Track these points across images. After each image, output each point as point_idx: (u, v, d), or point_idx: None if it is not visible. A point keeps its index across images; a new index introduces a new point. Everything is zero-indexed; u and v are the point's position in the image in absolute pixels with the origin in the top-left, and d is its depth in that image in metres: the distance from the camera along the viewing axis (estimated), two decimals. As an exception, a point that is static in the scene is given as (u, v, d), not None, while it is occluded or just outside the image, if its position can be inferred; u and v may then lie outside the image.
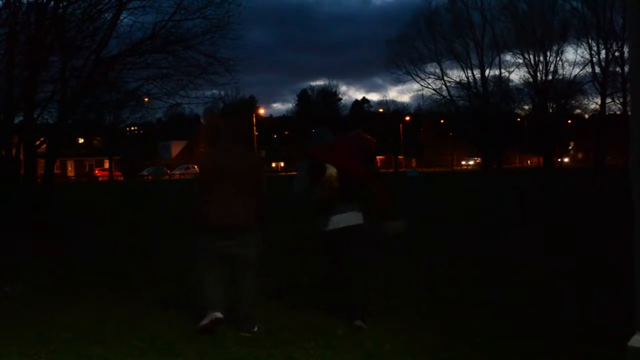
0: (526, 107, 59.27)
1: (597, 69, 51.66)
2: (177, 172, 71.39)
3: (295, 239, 9.64)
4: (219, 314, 4.89)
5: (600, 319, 4.94)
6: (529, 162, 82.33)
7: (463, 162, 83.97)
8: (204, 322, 4.85)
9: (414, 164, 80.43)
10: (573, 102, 55.77)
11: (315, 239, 5.37)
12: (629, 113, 3.38)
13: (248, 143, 5.46)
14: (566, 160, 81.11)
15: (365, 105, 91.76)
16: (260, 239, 5.06)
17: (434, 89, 57.81)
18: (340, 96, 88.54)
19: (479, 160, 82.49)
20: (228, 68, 15.66)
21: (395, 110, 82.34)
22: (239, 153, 5.06)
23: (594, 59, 51.67)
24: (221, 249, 4.93)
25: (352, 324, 4.96)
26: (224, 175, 4.93)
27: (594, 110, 54.74)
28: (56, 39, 14.09)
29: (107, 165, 67.50)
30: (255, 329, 4.91)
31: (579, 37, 52.32)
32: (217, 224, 4.89)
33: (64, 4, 13.96)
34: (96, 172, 69.32)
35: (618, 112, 51.46)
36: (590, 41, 51.67)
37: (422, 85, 58.35)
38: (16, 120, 14.36)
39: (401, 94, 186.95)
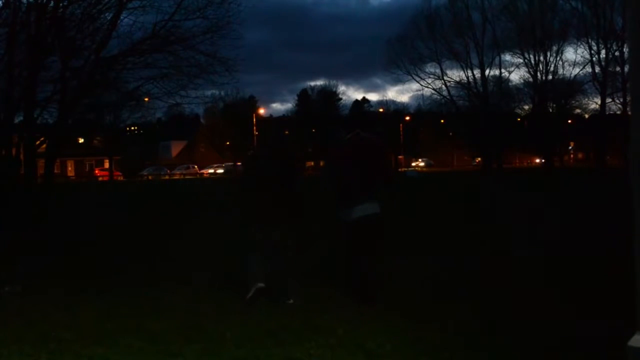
0: (526, 107, 59.15)
1: (597, 69, 51.64)
2: (177, 172, 71.43)
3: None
4: (261, 284, 5.80)
5: (600, 319, 4.94)
6: (527, 162, 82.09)
7: (413, 164, 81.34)
8: (250, 294, 5.75)
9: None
10: (573, 102, 55.64)
11: (337, 229, 6.20)
12: (629, 113, 3.37)
13: (281, 144, 6.54)
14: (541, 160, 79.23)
15: (366, 105, 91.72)
16: (294, 229, 5.94)
17: (434, 89, 57.67)
18: (340, 96, 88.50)
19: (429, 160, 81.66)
20: (228, 68, 15.72)
21: (395, 110, 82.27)
22: (273, 154, 6.01)
23: (594, 59, 51.62)
24: (264, 235, 5.83)
25: (367, 297, 5.70)
26: (263, 174, 5.85)
27: (594, 110, 54.69)
28: (56, 39, 14.10)
29: (107, 165, 67.48)
30: (291, 300, 5.71)
31: (579, 37, 52.22)
32: (261, 215, 5.81)
33: (64, 4, 14.00)
34: (96, 172, 69.33)
35: (618, 112, 51.40)
36: (590, 41, 51.60)
37: (422, 85, 58.13)
38: (16, 120, 14.38)
39: (400, 93, 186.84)
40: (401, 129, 76.40)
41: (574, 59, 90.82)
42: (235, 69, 15.87)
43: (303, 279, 6.31)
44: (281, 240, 5.86)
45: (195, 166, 74.34)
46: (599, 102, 52.53)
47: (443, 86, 57.25)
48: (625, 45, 43.89)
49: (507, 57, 73.63)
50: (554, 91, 54.67)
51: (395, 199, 6.17)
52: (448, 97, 57.75)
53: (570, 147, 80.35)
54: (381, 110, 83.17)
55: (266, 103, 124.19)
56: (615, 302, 5.06)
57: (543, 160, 74.02)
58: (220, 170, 69.62)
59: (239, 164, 70.02)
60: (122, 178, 63.75)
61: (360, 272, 5.89)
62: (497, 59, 56.08)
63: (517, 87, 57.74)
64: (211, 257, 8.82)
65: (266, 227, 5.84)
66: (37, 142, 14.70)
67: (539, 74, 54.66)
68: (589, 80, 52.43)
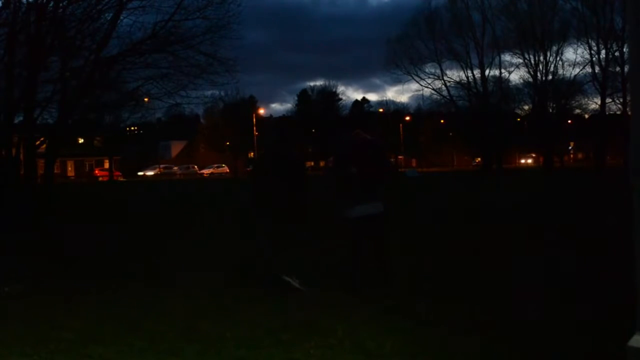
0: (526, 107, 59.16)
1: (597, 69, 51.60)
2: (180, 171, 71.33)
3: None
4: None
5: (600, 319, 4.94)
6: (525, 162, 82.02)
7: None
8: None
9: (414, 164, 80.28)
10: (573, 102, 55.62)
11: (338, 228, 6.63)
12: (629, 113, 3.38)
13: (288, 144, 7.07)
14: (529, 161, 79.73)
15: (365, 105, 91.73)
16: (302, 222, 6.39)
17: (433, 89, 57.68)
18: (340, 96, 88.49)
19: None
20: (228, 68, 15.72)
21: (395, 110, 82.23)
22: (281, 153, 6.37)
23: (594, 59, 51.53)
24: (274, 227, 6.23)
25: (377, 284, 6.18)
26: (273, 171, 6.23)
27: (594, 110, 54.65)
28: (56, 39, 14.10)
29: (107, 165, 67.47)
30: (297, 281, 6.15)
31: (579, 37, 52.15)
32: (271, 208, 6.21)
33: (64, 4, 13.98)
34: (96, 172, 69.32)
35: (618, 112, 51.39)
36: (590, 41, 51.53)
37: (421, 85, 58.12)
38: (16, 120, 14.37)
39: (399, 94, 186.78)
40: (401, 129, 76.34)
41: (574, 59, 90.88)
42: (235, 69, 15.89)
43: (304, 278, 6.32)
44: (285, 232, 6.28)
45: (195, 166, 74.21)
46: (599, 102, 52.52)
47: (443, 86, 57.31)
48: (625, 45, 43.89)
49: (507, 57, 73.78)
50: (554, 91, 54.64)
51: (397, 192, 6.55)
52: (448, 97, 57.80)
53: (570, 147, 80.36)
54: (381, 110, 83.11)
55: (266, 103, 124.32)
56: (616, 302, 5.06)
57: (530, 161, 74.10)
58: (152, 172, 68.06)
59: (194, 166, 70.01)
60: (122, 178, 63.75)
61: (357, 269, 6.29)
62: (497, 59, 56.17)
63: (517, 87, 57.81)
64: (211, 257, 8.82)
65: (274, 223, 6.25)
66: (37, 142, 14.69)
67: (539, 74, 54.67)
68: (589, 80, 52.43)
